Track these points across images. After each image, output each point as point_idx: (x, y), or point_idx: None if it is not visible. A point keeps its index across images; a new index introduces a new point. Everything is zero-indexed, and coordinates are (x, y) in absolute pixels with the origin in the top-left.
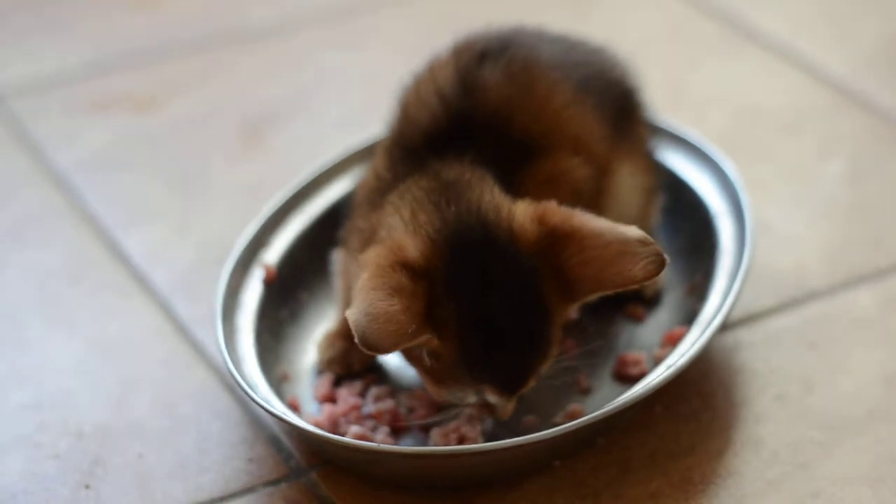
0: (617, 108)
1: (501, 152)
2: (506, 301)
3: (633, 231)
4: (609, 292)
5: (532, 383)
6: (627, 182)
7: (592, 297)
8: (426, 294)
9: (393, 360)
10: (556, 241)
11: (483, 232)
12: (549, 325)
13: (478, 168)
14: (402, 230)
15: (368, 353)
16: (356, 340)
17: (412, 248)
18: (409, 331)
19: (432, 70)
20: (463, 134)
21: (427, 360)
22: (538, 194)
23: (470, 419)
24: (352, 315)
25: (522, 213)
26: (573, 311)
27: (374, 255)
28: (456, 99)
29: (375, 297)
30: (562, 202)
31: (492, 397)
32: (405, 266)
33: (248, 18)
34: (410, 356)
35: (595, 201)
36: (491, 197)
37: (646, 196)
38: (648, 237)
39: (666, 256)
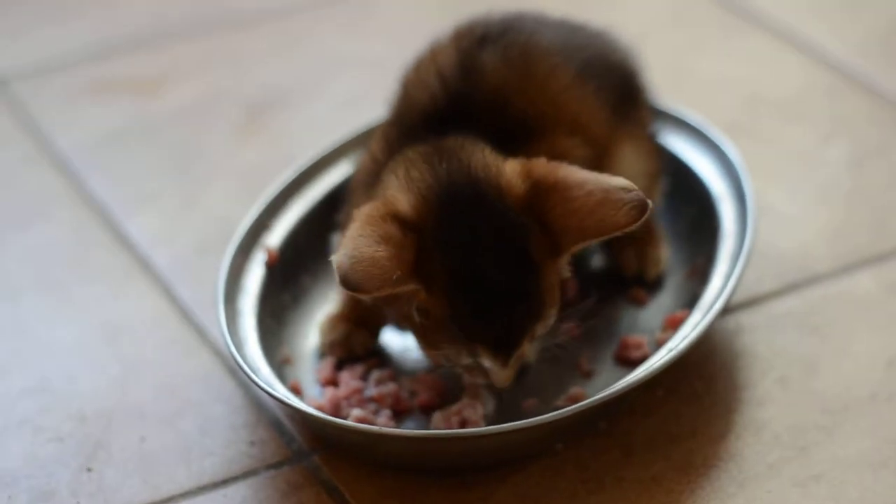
0: (618, 91)
1: (499, 135)
2: (494, 258)
3: (616, 179)
4: (594, 241)
5: (526, 345)
6: (629, 165)
7: (579, 248)
8: (415, 246)
9: (396, 343)
10: (541, 193)
11: (473, 189)
12: (539, 283)
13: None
14: (395, 186)
15: (350, 294)
16: (338, 281)
17: (404, 201)
18: (394, 277)
19: (433, 52)
20: (462, 116)
21: (417, 317)
22: None
23: (472, 403)
24: (336, 258)
25: (511, 169)
26: (564, 269)
27: (366, 208)
28: (455, 81)
29: (362, 242)
30: None
31: (486, 360)
32: (395, 218)
33: (250, 2)
34: (401, 314)
35: None
36: (482, 156)
37: (648, 180)
38: (632, 184)
39: (649, 202)
